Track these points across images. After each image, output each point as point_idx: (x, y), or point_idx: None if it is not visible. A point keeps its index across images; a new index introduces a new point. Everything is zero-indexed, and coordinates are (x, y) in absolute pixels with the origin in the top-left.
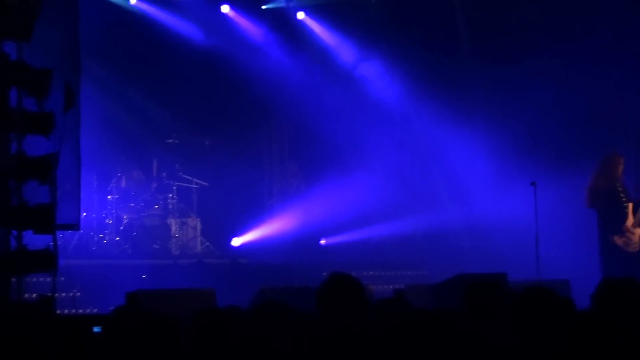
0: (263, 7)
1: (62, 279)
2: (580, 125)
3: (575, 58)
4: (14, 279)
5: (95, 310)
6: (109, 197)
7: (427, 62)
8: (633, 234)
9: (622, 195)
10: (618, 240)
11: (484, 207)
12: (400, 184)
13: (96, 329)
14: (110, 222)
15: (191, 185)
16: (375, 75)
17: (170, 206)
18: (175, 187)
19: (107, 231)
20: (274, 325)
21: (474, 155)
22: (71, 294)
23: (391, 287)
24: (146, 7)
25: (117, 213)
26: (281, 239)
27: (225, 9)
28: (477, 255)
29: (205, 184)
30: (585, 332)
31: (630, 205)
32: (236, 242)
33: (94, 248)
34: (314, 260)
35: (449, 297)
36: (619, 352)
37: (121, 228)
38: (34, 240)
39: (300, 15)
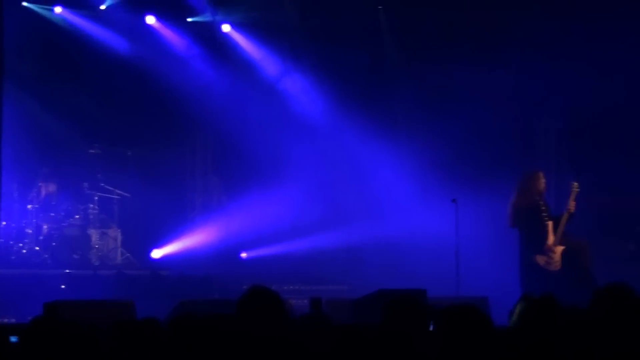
0: (189, 19)
1: None
2: (501, 142)
3: (495, 75)
4: None
5: (13, 320)
6: (29, 206)
7: (352, 77)
8: (554, 252)
9: (544, 213)
10: (539, 260)
11: (406, 223)
12: (323, 199)
13: (13, 339)
14: (30, 231)
15: (112, 196)
16: (299, 89)
17: (91, 216)
18: (96, 198)
19: (26, 240)
20: (191, 338)
21: (397, 171)
22: None
23: None
24: (70, 17)
25: (37, 222)
26: (202, 251)
27: (150, 20)
28: (398, 272)
29: (127, 194)
30: (503, 349)
31: (550, 223)
32: (157, 253)
33: (13, 257)
34: (235, 273)
35: (369, 313)
36: None
37: (41, 238)
38: None
39: (226, 28)
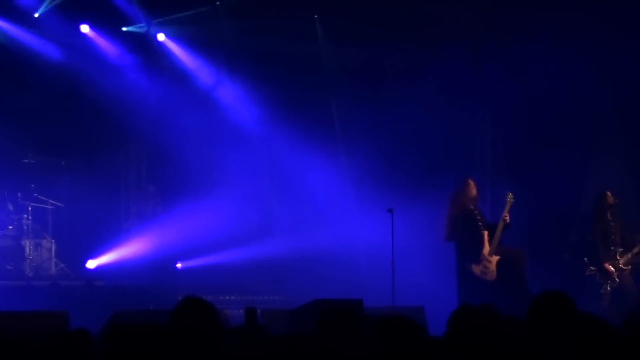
0: (124, 28)
1: None
2: (437, 151)
3: (429, 84)
4: None
5: None
6: None
7: (288, 86)
8: (490, 262)
9: (479, 222)
10: (475, 269)
11: (343, 232)
12: (259, 209)
13: None
14: None
15: (46, 206)
16: (234, 98)
17: (25, 227)
18: (30, 208)
19: None
20: (124, 349)
21: (333, 180)
22: None
23: None
24: (3, 24)
25: None
26: (137, 261)
27: (84, 28)
28: (334, 282)
29: (61, 205)
30: (438, 359)
31: (486, 233)
32: (91, 264)
33: None
34: (170, 284)
35: (305, 323)
36: None
37: None
38: None
39: (161, 37)
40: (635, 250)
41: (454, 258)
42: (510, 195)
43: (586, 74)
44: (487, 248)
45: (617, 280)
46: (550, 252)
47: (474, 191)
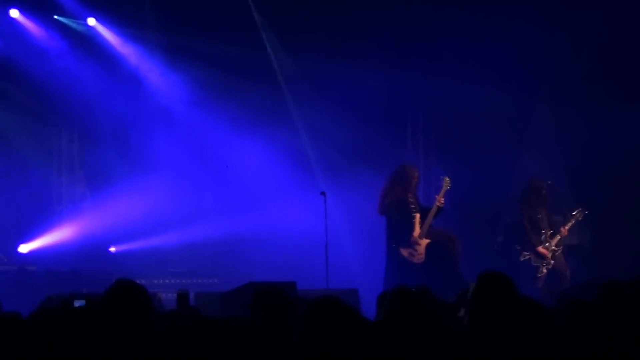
0: (55, 16)
1: None
2: (372, 135)
3: (368, 70)
4: None
5: None
6: None
7: (221, 68)
8: (419, 245)
9: (412, 207)
10: (403, 252)
11: (277, 216)
12: (193, 192)
13: None
14: None
15: None
16: (165, 81)
17: None
18: None
19: None
20: (53, 331)
21: (267, 164)
22: None
23: None
24: None
25: None
26: (70, 246)
27: (14, 13)
28: (269, 264)
29: None
30: (369, 340)
31: (417, 216)
32: (24, 248)
33: None
34: (104, 268)
35: (238, 305)
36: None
37: None
38: None
39: (91, 21)
40: (566, 228)
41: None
42: (447, 180)
43: (521, 59)
44: (417, 231)
45: (552, 261)
46: (485, 235)
47: (415, 182)
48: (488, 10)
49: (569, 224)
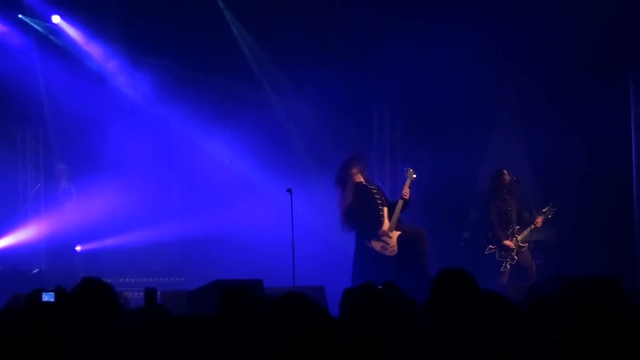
0: (20, 16)
1: None
2: (339, 131)
3: (334, 65)
4: None
5: None
6: None
7: (186, 65)
8: (390, 237)
9: (377, 199)
10: (375, 245)
11: (243, 214)
12: (158, 191)
13: None
14: None
15: None
16: (132, 78)
17: None
18: None
19: None
20: (17, 330)
21: (231, 159)
22: None
23: None
24: None
25: None
26: (36, 245)
27: None
28: (236, 262)
29: None
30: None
31: (385, 209)
32: None
33: None
34: (70, 267)
35: (205, 304)
36: (364, 354)
37: None
38: None
39: (56, 19)
40: (532, 227)
41: (353, 236)
42: (410, 171)
43: (487, 54)
44: (386, 224)
45: (515, 257)
46: (451, 231)
47: (356, 170)
48: (454, 4)
49: (540, 218)
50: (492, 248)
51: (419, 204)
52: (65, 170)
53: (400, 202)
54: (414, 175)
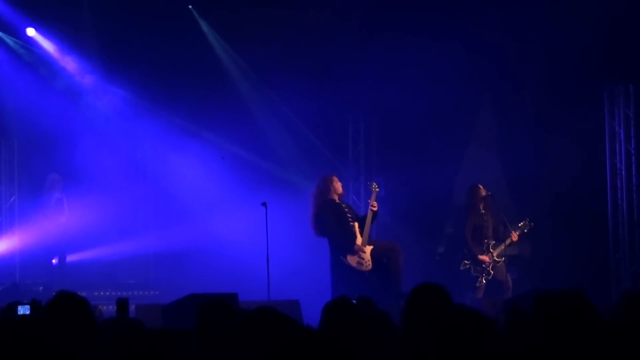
0: None
1: None
2: (313, 145)
3: (303, 78)
4: None
5: None
6: None
7: (160, 78)
8: (364, 252)
9: (348, 214)
10: (351, 260)
11: (218, 227)
12: (132, 204)
13: None
14: None
15: None
16: (105, 91)
17: None
18: None
19: None
20: None
21: (206, 174)
22: None
23: None
24: None
25: None
26: (11, 257)
27: None
28: (210, 276)
29: None
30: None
31: (356, 224)
32: None
33: None
34: (45, 280)
35: (180, 317)
36: None
37: None
38: None
39: (31, 32)
40: (508, 241)
41: (328, 251)
42: (374, 185)
43: (462, 66)
44: (359, 239)
45: (491, 272)
46: (426, 245)
47: (338, 185)
48: (429, 16)
49: (516, 233)
50: (467, 263)
51: (393, 218)
52: (58, 180)
53: (370, 214)
54: (378, 189)
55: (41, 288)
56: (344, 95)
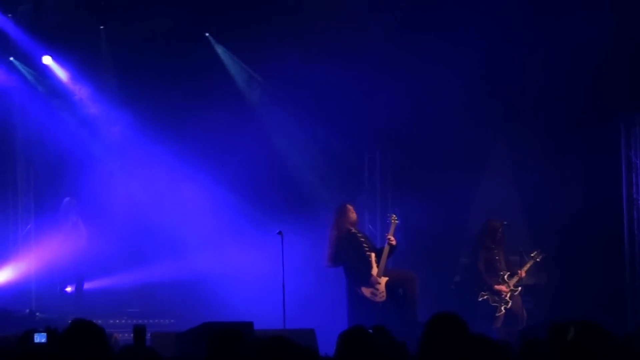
0: (11, 58)
1: None
2: (325, 174)
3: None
4: None
5: None
6: None
7: (172, 102)
8: (379, 283)
9: (364, 245)
10: (365, 291)
11: (234, 255)
12: (146, 232)
13: None
14: None
15: None
16: (117, 118)
17: None
18: None
19: None
20: None
21: (221, 202)
22: None
23: None
24: None
25: None
26: (25, 285)
27: None
28: (226, 305)
29: None
30: None
31: (373, 255)
32: None
33: None
34: (60, 308)
35: (194, 346)
36: None
37: None
38: None
39: (47, 60)
40: (524, 269)
41: (343, 281)
42: (393, 217)
43: (478, 98)
44: (375, 269)
45: (509, 301)
46: (442, 274)
47: (353, 215)
48: (444, 48)
49: (527, 265)
50: (485, 295)
51: (410, 247)
52: (73, 204)
53: (387, 248)
54: (397, 221)
55: (56, 316)
56: (361, 125)
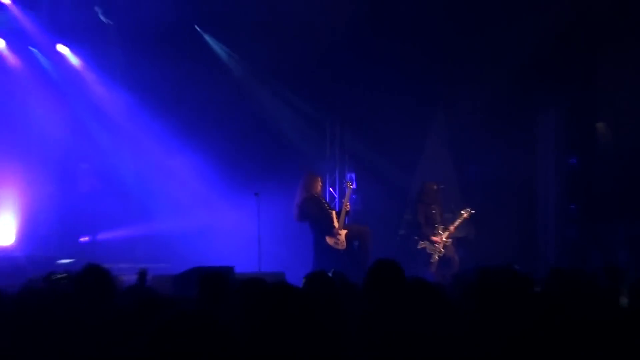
0: (30, 47)
1: None
2: (294, 145)
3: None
4: None
5: None
6: None
7: (156, 71)
8: (340, 234)
9: (325, 205)
10: (330, 241)
11: (219, 213)
12: (149, 193)
13: None
14: None
15: None
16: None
17: None
18: None
19: None
20: (32, 312)
21: (209, 170)
22: None
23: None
24: None
25: None
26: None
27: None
28: (211, 252)
29: None
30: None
31: (334, 212)
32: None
33: None
34: (76, 255)
35: (187, 286)
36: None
37: None
38: None
39: (61, 48)
40: (455, 224)
41: (310, 233)
42: (348, 183)
43: (421, 77)
44: (336, 223)
45: (442, 250)
46: (390, 228)
47: (318, 185)
48: (400, 14)
49: (457, 221)
50: (423, 243)
51: (364, 207)
52: (88, 169)
53: (343, 212)
54: (352, 186)
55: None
56: (323, 101)
